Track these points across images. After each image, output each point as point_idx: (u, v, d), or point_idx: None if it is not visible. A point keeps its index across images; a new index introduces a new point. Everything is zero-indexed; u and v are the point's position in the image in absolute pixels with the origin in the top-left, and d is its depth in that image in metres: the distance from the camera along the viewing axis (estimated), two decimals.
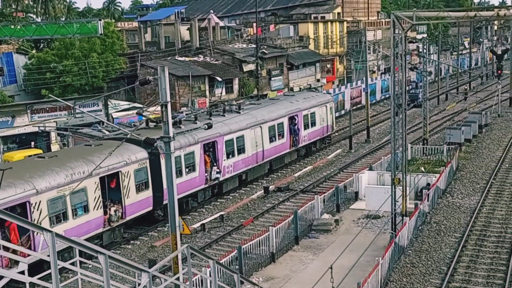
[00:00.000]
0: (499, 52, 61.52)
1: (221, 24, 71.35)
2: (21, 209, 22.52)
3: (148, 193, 28.17)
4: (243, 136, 35.08)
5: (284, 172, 39.59)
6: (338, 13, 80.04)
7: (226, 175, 33.77)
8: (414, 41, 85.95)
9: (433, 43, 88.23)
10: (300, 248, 25.62)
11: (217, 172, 32.95)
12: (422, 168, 34.65)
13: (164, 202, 27.97)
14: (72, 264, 10.85)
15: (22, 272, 9.10)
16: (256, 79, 57.19)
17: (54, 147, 39.60)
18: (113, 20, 74.71)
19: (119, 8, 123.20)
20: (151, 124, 30.48)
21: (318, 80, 66.43)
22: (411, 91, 62.85)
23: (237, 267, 21.81)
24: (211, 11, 78.84)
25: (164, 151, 15.76)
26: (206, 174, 32.32)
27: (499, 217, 28.86)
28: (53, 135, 40.11)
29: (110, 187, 26.69)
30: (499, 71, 56.90)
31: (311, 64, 66.62)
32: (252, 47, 59.18)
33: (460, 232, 26.82)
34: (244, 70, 56.75)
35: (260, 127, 36.89)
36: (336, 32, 73.58)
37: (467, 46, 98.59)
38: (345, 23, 76.20)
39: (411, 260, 23.89)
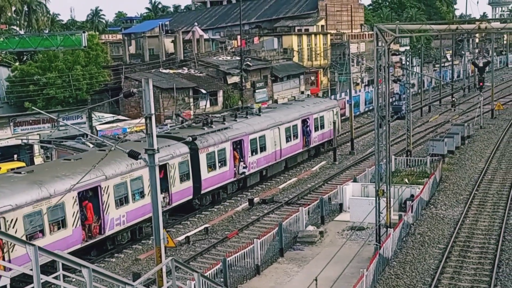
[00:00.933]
0: (481, 65, 61.83)
1: (205, 36, 71.48)
2: (93, 192, 26.13)
3: (189, 183, 31.98)
4: (264, 136, 38.73)
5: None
6: (322, 26, 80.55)
7: (251, 170, 37.42)
8: (397, 53, 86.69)
9: (416, 55, 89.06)
10: (285, 260, 25.57)
11: (244, 167, 36.50)
12: (406, 180, 34.77)
13: (202, 192, 32.73)
14: (56, 278, 10.75)
15: (4, 287, 9.01)
16: (241, 91, 57.32)
17: (37, 160, 39.30)
18: (97, 33, 74.59)
19: (103, 21, 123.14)
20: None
21: (302, 92, 66.63)
22: (394, 103, 63.09)
23: (222, 279, 21.72)
24: (195, 23, 79.02)
25: (148, 164, 15.72)
26: (235, 169, 35.96)
27: (482, 228, 29.03)
28: (36, 147, 39.84)
29: (159, 176, 28.34)
30: (480, 83, 57.32)
31: (295, 76, 66.91)
32: (236, 60, 59.36)
33: (444, 243, 26.93)
34: (229, 82, 56.87)
35: (278, 128, 40.40)
36: (320, 44, 74.06)
37: (449, 59, 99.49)
38: (328, 35, 76.70)
39: (395, 271, 23.93)
